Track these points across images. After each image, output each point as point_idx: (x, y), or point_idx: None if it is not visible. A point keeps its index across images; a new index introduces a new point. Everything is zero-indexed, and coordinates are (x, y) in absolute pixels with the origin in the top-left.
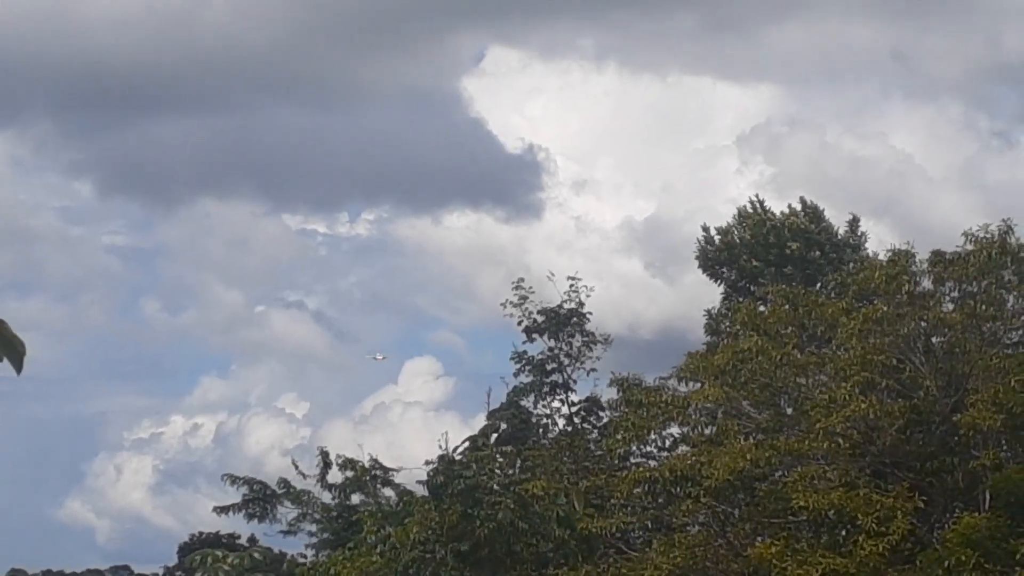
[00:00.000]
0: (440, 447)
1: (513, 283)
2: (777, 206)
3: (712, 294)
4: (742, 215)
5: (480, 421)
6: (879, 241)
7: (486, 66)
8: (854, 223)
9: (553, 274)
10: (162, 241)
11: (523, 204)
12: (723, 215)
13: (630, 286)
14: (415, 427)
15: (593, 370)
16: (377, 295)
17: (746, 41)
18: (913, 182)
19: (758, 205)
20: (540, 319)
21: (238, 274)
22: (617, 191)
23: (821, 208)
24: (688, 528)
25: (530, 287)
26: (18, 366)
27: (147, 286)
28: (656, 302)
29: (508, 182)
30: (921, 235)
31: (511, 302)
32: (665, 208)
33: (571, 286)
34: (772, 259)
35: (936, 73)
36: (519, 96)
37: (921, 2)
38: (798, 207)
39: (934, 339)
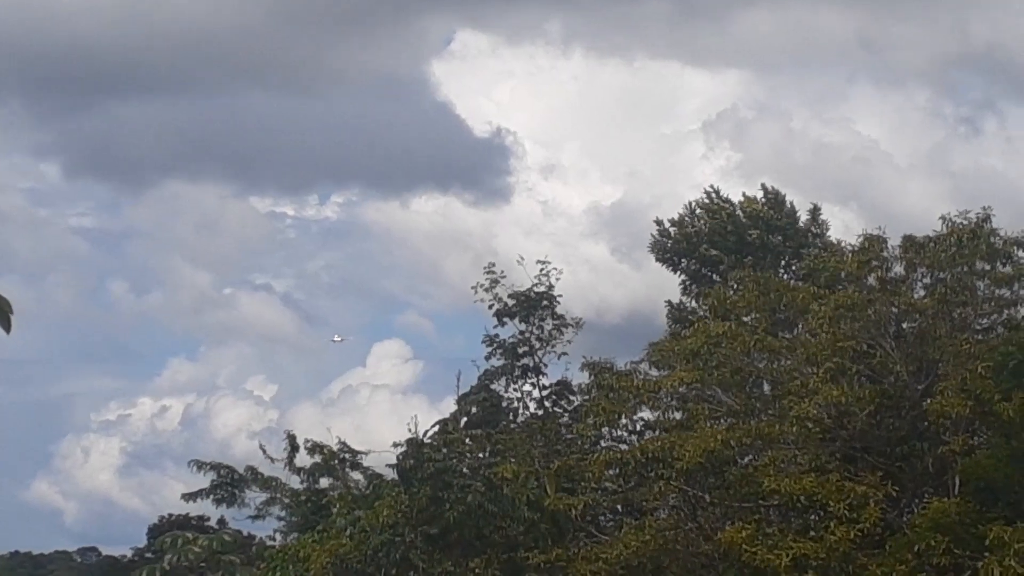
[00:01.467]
0: (410, 430)
1: (485, 267)
2: (743, 191)
3: (676, 280)
4: (699, 205)
5: (448, 404)
6: (845, 228)
7: (455, 50)
8: (815, 211)
9: (523, 258)
10: (130, 223)
11: (491, 188)
12: (689, 200)
13: (597, 271)
14: (383, 410)
15: (564, 354)
16: (345, 278)
17: (714, 27)
18: (879, 168)
19: (714, 195)
20: (511, 303)
21: (207, 256)
22: (584, 176)
23: (783, 194)
24: (658, 511)
25: (502, 271)
26: (6, 325)
27: (115, 268)
28: (623, 287)
29: (476, 166)
30: (887, 221)
31: (482, 286)
32: (632, 193)
33: (541, 270)
34: (731, 247)
35: (903, 61)
36: (487, 80)
37: None
38: (759, 193)
39: (905, 324)
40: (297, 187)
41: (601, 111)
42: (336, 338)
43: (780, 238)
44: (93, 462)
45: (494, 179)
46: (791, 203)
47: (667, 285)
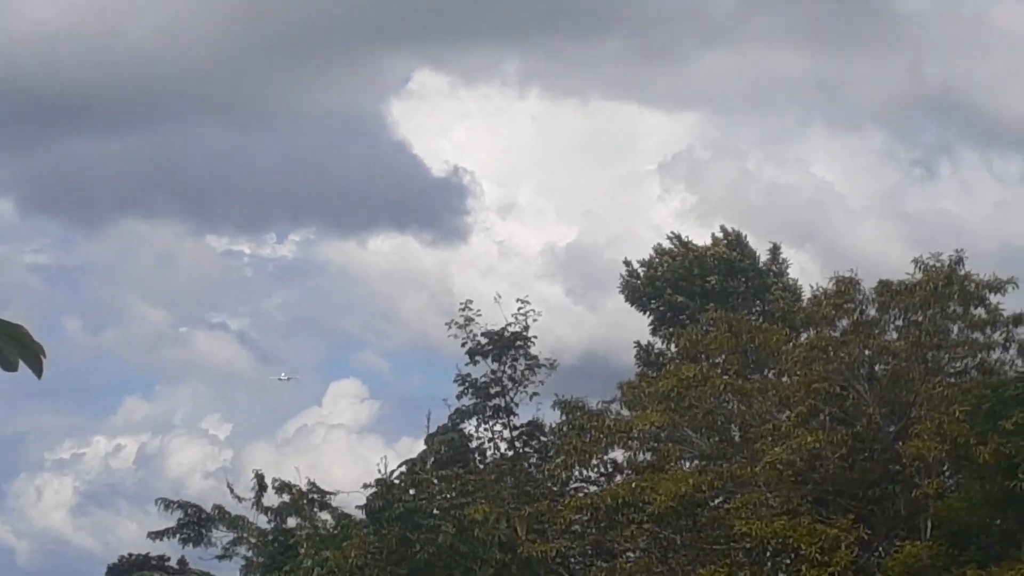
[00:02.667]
0: (379, 471)
1: (460, 304)
2: (698, 233)
3: (635, 321)
4: (660, 251)
5: (404, 444)
6: (800, 269)
7: (412, 89)
8: (775, 251)
9: (500, 296)
10: (85, 260)
11: (449, 228)
12: (645, 241)
13: (552, 311)
14: (338, 449)
15: (536, 394)
16: (301, 317)
17: (672, 68)
18: (833, 210)
19: (675, 240)
20: (484, 341)
21: (162, 294)
22: (540, 216)
23: (744, 235)
24: (629, 554)
25: (478, 310)
26: (38, 371)
27: (70, 305)
28: (578, 328)
29: (434, 205)
30: (842, 262)
31: (456, 323)
32: (587, 234)
33: (519, 309)
34: (695, 291)
35: (859, 102)
36: (445, 119)
37: (845, 32)
38: (720, 235)
39: (878, 367)
40: (254, 225)
41: (557, 152)
42: (283, 376)
43: (742, 280)
44: (46, 501)
45: (452, 218)
46: (749, 244)
47: (624, 325)
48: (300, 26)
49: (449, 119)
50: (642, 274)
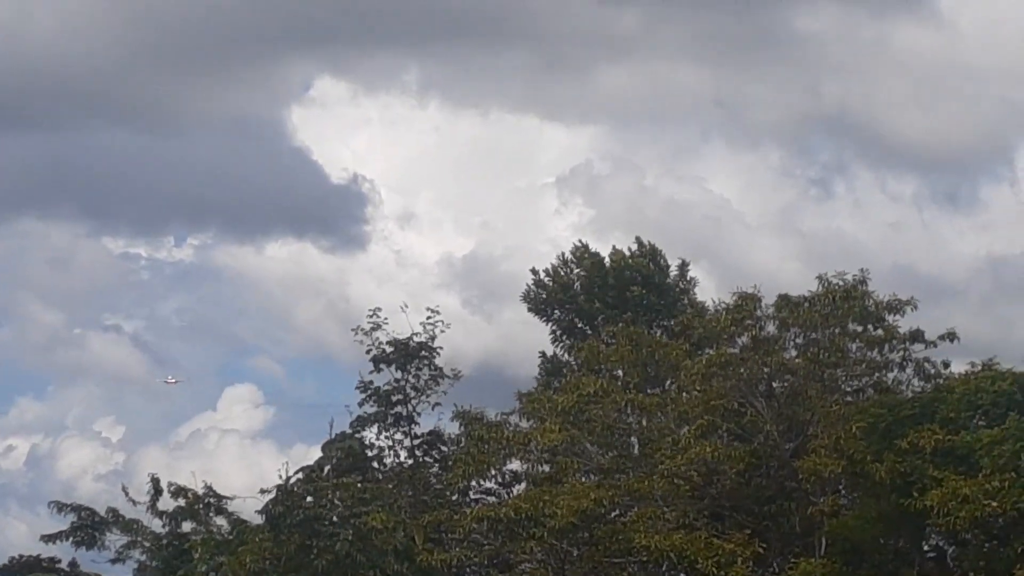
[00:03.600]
0: (279, 476)
1: (369, 311)
2: (596, 247)
3: (532, 332)
4: (575, 255)
5: (298, 450)
6: (698, 286)
7: (313, 96)
8: (684, 267)
9: (406, 305)
10: None
11: (347, 235)
12: (542, 254)
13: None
14: (231, 455)
15: (438, 404)
16: (197, 321)
17: (573, 81)
18: (730, 227)
19: (583, 249)
20: (389, 350)
21: (57, 295)
22: (438, 226)
23: (660, 249)
24: (526, 565)
25: (384, 318)
26: None
27: None
28: (474, 338)
29: (333, 213)
30: (738, 279)
31: (362, 329)
32: (484, 245)
33: (428, 318)
34: (610, 300)
35: (757, 120)
36: (345, 127)
37: (745, 50)
38: (633, 246)
39: (776, 384)
40: (152, 228)
41: (456, 162)
42: (170, 379)
43: (656, 295)
44: None
45: (350, 226)
46: (664, 258)
47: (520, 337)
48: (201, 31)
49: (349, 127)
50: (548, 283)
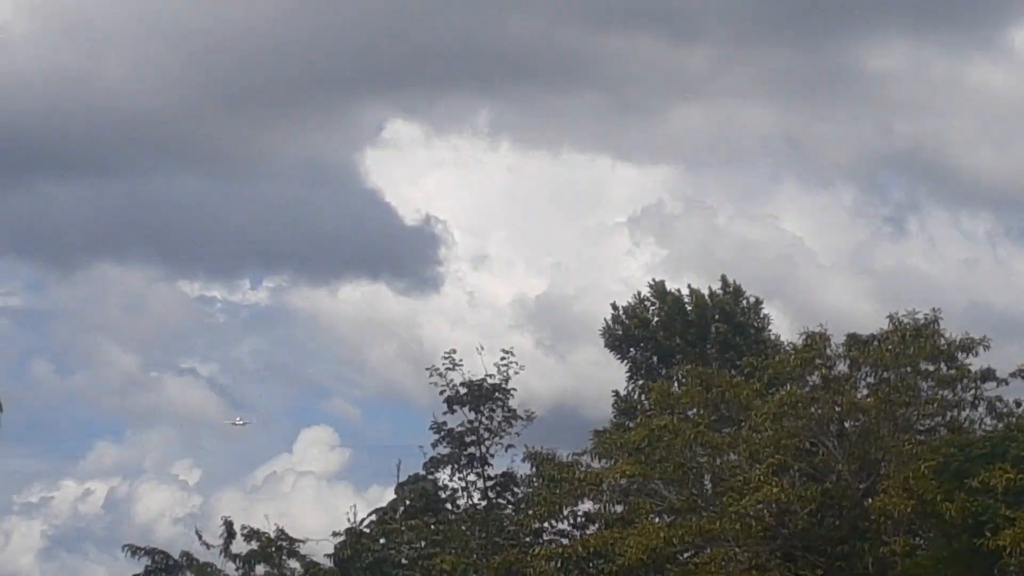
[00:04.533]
0: (348, 519)
1: (444, 353)
2: (688, 283)
3: (605, 372)
4: (642, 298)
5: (374, 492)
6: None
7: (386, 138)
8: (756, 305)
9: (482, 347)
10: (56, 304)
11: (422, 277)
12: (614, 294)
13: (522, 363)
14: (307, 497)
15: (511, 446)
16: (272, 363)
17: (645, 122)
18: (803, 266)
19: (658, 287)
20: (463, 391)
21: (133, 339)
22: (510, 267)
23: (743, 289)
24: None
25: (460, 359)
26: None
27: (40, 348)
28: (548, 379)
29: (406, 254)
30: (810, 318)
31: (436, 371)
32: (556, 286)
33: (503, 359)
34: (690, 338)
35: (828, 159)
36: (417, 169)
37: (816, 89)
38: (714, 285)
39: (847, 423)
40: (227, 272)
41: (528, 203)
42: (237, 420)
43: (738, 334)
44: (14, 544)
45: (424, 268)
46: (747, 298)
47: (593, 377)
48: (275, 75)
49: (421, 168)
50: (625, 320)
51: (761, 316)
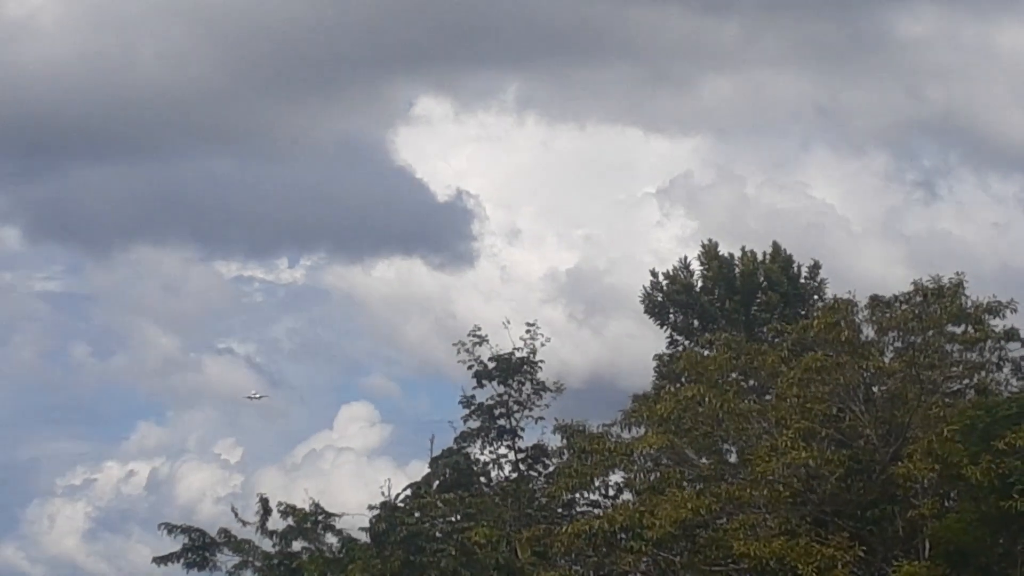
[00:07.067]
0: (382, 494)
1: (471, 330)
2: (743, 246)
3: (639, 342)
4: (704, 254)
5: (414, 467)
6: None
7: (416, 114)
8: (815, 269)
9: (509, 321)
10: (94, 287)
11: (456, 252)
12: (645, 265)
13: (556, 336)
14: (347, 472)
15: (541, 418)
16: (310, 342)
17: (674, 93)
18: (834, 233)
19: (712, 246)
20: (491, 365)
21: (172, 320)
22: (541, 241)
23: (789, 253)
24: None
25: (486, 334)
26: None
27: (79, 332)
28: (582, 351)
29: (440, 230)
30: (843, 285)
31: (464, 346)
32: (587, 259)
33: (528, 332)
34: (734, 304)
35: (859, 126)
36: (448, 144)
37: (846, 57)
38: (769, 251)
39: (875, 388)
40: (263, 251)
41: (557, 176)
42: (254, 394)
43: (785, 303)
44: (59, 526)
45: (458, 243)
46: (797, 268)
47: (628, 348)
48: (306, 55)
49: (451, 144)
50: (665, 286)
51: (818, 281)
